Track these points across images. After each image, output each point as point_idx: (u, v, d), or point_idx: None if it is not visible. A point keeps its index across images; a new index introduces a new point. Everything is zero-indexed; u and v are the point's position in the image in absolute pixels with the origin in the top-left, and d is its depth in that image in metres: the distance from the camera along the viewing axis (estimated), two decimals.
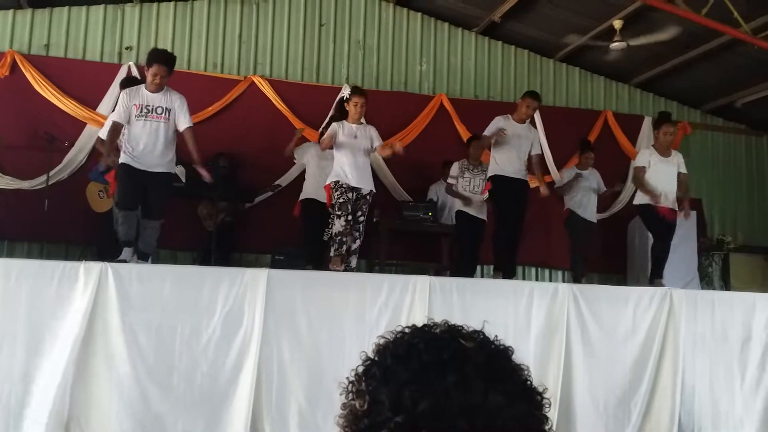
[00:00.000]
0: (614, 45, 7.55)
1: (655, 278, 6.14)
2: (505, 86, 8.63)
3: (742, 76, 8.28)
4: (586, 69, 8.94)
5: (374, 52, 8.35)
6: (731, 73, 8.28)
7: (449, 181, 7.01)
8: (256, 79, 7.82)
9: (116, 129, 5.36)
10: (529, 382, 0.87)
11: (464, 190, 6.87)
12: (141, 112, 5.24)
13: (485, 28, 8.45)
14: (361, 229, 5.67)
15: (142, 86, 5.38)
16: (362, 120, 5.76)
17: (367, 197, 5.68)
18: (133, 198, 5.27)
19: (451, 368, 0.82)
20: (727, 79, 8.48)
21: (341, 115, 5.85)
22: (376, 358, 0.87)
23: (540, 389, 0.87)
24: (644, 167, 6.24)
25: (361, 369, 0.88)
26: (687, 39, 7.56)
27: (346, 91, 5.84)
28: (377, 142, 5.74)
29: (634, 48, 7.70)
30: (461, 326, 0.90)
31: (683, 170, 6.34)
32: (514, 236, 6.29)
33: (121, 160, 5.29)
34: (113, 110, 5.74)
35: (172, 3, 7.86)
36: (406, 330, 0.90)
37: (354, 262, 5.66)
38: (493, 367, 0.84)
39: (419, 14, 8.53)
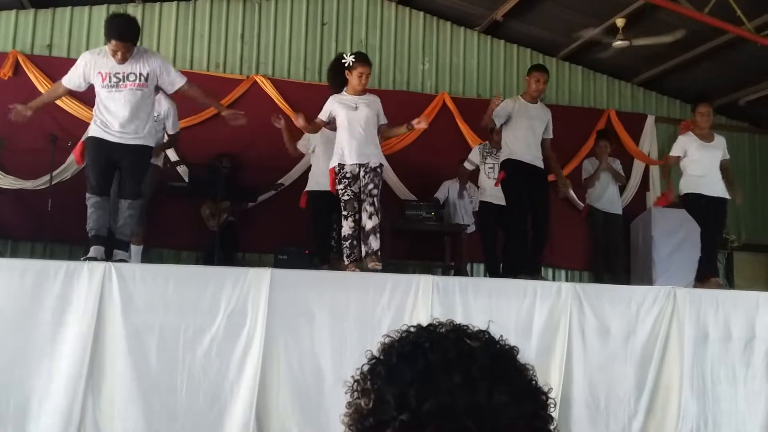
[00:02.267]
0: (617, 44, 7.53)
1: (712, 276, 5.82)
2: (507, 85, 8.62)
3: (746, 74, 8.26)
4: (588, 67, 8.92)
5: (376, 51, 8.34)
6: (734, 71, 8.26)
7: (465, 164, 6.95)
8: (259, 79, 7.82)
9: (57, 91, 4.86)
10: (534, 382, 0.87)
11: (488, 177, 6.80)
12: (110, 81, 4.60)
13: (487, 26, 8.44)
14: (376, 203, 5.11)
15: (107, 49, 4.60)
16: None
17: (378, 170, 5.17)
18: (105, 180, 4.71)
19: (456, 368, 0.82)
20: (731, 78, 8.46)
21: (338, 82, 5.29)
22: (382, 357, 0.88)
23: (545, 389, 0.87)
24: (677, 156, 6.01)
25: (366, 368, 0.88)
26: (690, 37, 7.54)
27: (350, 58, 5.20)
28: (383, 119, 5.32)
29: (636, 46, 7.68)
30: (466, 326, 0.91)
31: (726, 156, 6.13)
32: (537, 232, 5.81)
33: (90, 133, 4.71)
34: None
35: (174, 3, 7.87)
36: (412, 329, 0.90)
37: (375, 244, 5.08)
38: (498, 367, 0.84)
39: (421, 13, 8.53)
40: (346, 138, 5.15)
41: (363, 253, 5.14)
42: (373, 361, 0.88)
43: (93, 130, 4.71)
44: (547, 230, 5.89)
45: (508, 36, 8.65)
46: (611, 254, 7.41)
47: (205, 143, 7.22)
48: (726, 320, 5.23)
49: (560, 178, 6.29)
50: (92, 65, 4.64)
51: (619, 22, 7.38)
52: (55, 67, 7.39)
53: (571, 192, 7.09)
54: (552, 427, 0.86)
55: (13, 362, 4.10)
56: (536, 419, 0.84)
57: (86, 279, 4.24)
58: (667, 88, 9.08)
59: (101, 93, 4.66)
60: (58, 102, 7.22)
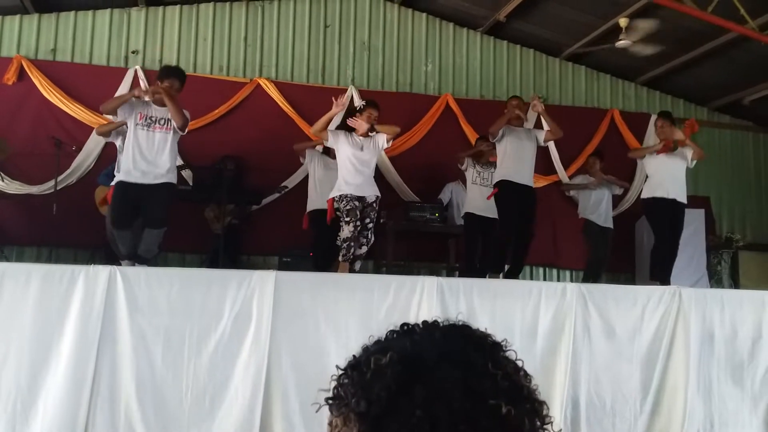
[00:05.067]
0: (620, 43, 7.53)
1: (661, 283, 5.94)
2: (510, 86, 8.61)
3: (749, 73, 8.24)
4: (592, 68, 8.92)
5: (379, 52, 8.35)
6: (738, 70, 8.24)
7: (459, 165, 7.01)
8: (262, 82, 7.83)
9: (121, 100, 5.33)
10: (498, 343, 0.91)
11: (474, 183, 6.86)
12: (145, 121, 5.23)
13: (490, 27, 8.44)
14: (370, 236, 5.62)
15: (147, 98, 5.38)
16: (370, 133, 5.73)
17: (374, 204, 5.64)
18: (126, 218, 5.25)
19: (419, 330, 0.93)
20: (734, 77, 8.44)
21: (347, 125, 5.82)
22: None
23: (511, 352, 0.91)
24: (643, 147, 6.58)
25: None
26: (693, 36, 7.53)
27: (360, 103, 5.87)
28: (382, 141, 5.69)
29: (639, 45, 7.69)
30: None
31: (691, 165, 6.38)
32: (522, 240, 6.17)
33: (118, 177, 5.26)
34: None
35: (178, 6, 7.89)
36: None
37: (358, 266, 5.64)
38: (457, 330, 0.92)
39: (424, 14, 8.53)
40: (349, 174, 5.55)
41: None
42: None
43: (119, 176, 5.24)
44: (530, 240, 6.25)
45: (511, 37, 8.64)
46: (600, 265, 7.43)
47: (209, 146, 7.24)
48: (732, 320, 5.22)
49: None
50: (135, 105, 5.28)
51: (622, 21, 7.38)
52: (59, 71, 7.44)
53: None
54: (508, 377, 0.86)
55: (20, 365, 4.11)
56: (476, 359, 0.86)
57: (92, 283, 4.25)
58: (670, 88, 9.07)
59: (135, 132, 5.21)
60: (61, 106, 7.29)
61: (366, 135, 5.69)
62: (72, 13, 7.64)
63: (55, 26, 7.61)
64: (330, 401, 0.91)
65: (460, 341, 0.89)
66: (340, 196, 5.52)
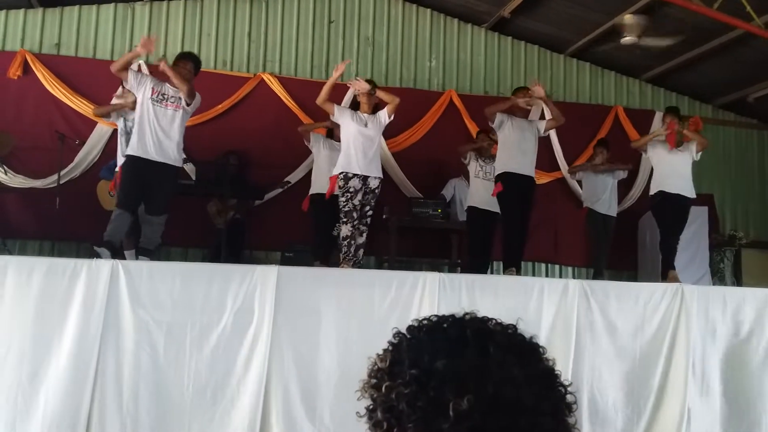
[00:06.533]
0: (624, 40, 7.50)
1: (668, 270, 6.09)
2: (514, 82, 8.57)
3: (754, 70, 8.21)
4: (596, 64, 8.89)
5: (383, 48, 8.34)
6: (743, 67, 8.21)
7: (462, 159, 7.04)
8: (266, 77, 7.83)
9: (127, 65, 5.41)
10: (551, 370, 0.91)
11: (477, 177, 6.87)
12: (157, 97, 5.33)
13: (495, 23, 8.42)
14: (368, 222, 5.66)
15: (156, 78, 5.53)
16: (371, 92, 5.80)
17: (376, 191, 5.66)
18: (134, 197, 5.26)
19: (473, 341, 0.88)
20: (739, 74, 8.41)
21: (353, 105, 5.90)
22: (406, 332, 0.93)
23: (563, 380, 0.91)
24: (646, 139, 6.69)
25: (392, 340, 0.94)
26: (698, 34, 7.50)
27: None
28: (384, 117, 5.75)
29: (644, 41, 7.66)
30: (492, 318, 0.96)
31: (696, 158, 6.50)
32: (521, 233, 6.20)
33: (128, 152, 5.32)
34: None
35: (182, 1, 7.89)
36: (435, 316, 0.96)
37: (360, 255, 5.66)
38: (514, 345, 0.90)
39: (428, 10, 8.52)
40: (353, 149, 5.58)
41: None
42: (399, 335, 0.93)
43: (130, 149, 5.29)
44: (527, 232, 6.30)
45: (515, 33, 8.62)
46: (602, 254, 7.44)
47: (212, 141, 7.24)
48: (734, 317, 5.21)
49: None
50: (149, 78, 5.45)
51: (627, 18, 7.34)
52: (64, 65, 7.44)
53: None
54: (564, 418, 0.86)
55: (22, 359, 4.13)
56: (543, 401, 0.85)
57: (94, 277, 4.26)
58: (675, 85, 9.04)
59: (147, 106, 5.28)
60: (65, 101, 7.30)
61: (369, 112, 5.75)
62: (76, 7, 7.64)
63: (60, 21, 7.61)
64: (381, 413, 0.88)
65: (538, 386, 0.87)
66: (345, 174, 5.53)
